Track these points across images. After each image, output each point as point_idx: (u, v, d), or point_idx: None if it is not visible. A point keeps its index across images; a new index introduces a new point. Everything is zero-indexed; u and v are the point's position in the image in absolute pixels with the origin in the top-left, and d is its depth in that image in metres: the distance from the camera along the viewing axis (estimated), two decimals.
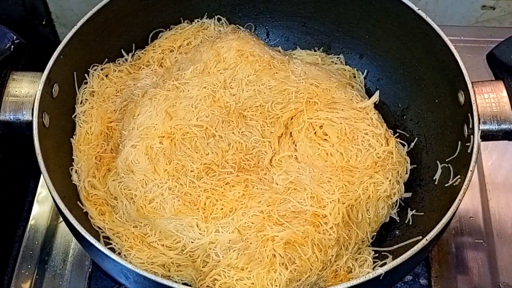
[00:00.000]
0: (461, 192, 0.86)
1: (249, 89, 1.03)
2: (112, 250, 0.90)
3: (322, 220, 0.91)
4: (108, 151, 1.02)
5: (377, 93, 1.07)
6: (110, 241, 0.95)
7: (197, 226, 0.91)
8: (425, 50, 1.02)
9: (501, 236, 1.09)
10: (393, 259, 0.82)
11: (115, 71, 1.09)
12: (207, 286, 0.88)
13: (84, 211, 0.96)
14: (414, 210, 0.99)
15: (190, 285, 0.93)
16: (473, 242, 1.09)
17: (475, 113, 0.90)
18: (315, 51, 1.17)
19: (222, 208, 0.92)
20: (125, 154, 0.97)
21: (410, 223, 0.99)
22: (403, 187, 1.01)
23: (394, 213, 1.01)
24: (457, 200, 0.85)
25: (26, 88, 0.94)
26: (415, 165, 1.04)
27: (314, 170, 0.96)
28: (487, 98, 0.92)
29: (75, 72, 1.03)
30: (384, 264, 0.85)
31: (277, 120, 1.01)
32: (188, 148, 0.97)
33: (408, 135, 1.07)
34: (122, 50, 1.11)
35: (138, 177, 0.95)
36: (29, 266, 1.09)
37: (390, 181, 0.98)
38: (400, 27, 1.05)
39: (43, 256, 1.11)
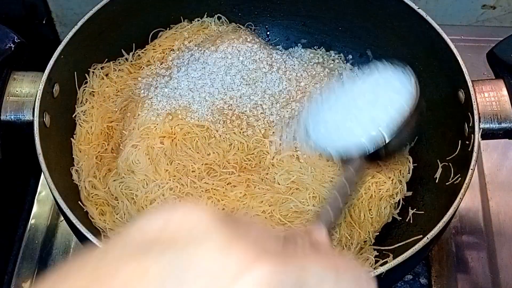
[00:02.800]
0: (462, 190, 0.86)
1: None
2: None
3: None
4: (108, 151, 1.02)
5: None
6: None
7: None
8: (425, 49, 1.02)
9: (502, 235, 1.09)
10: (394, 258, 0.82)
11: (116, 70, 1.09)
12: None
13: (85, 210, 0.96)
14: (415, 209, 0.99)
15: None
16: (473, 241, 1.10)
17: (475, 112, 0.90)
18: (315, 50, 1.17)
19: (224, 208, 0.92)
20: (125, 154, 0.96)
21: (411, 222, 0.99)
22: (406, 186, 1.01)
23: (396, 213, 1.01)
24: (458, 199, 0.85)
25: (27, 88, 0.94)
26: (416, 164, 1.04)
27: (315, 169, 0.96)
28: (488, 97, 0.92)
29: (75, 72, 1.02)
30: (385, 263, 0.85)
31: None
32: (189, 148, 0.97)
33: None
34: (122, 49, 1.11)
35: (139, 178, 0.95)
36: (29, 266, 1.09)
37: (392, 180, 0.98)
38: (400, 26, 1.05)
39: (43, 255, 1.10)
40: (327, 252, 0.46)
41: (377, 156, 0.67)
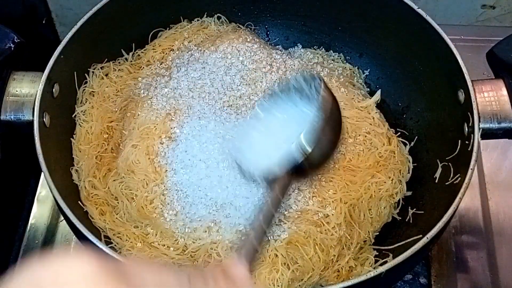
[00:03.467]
0: (462, 190, 0.86)
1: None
2: (113, 249, 0.90)
3: (324, 220, 0.91)
4: (108, 151, 1.02)
5: (379, 92, 1.07)
6: (111, 241, 0.95)
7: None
8: (425, 49, 1.02)
9: (501, 235, 1.09)
10: (394, 257, 0.82)
11: (115, 70, 1.09)
12: None
13: (84, 210, 0.96)
14: (415, 209, 0.99)
15: None
16: (473, 241, 1.10)
17: (475, 112, 0.90)
18: (315, 50, 1.17)
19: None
20: (125, 154, 0.96)
21: (411, 222, 0.99)
22: (405, 186, 1.01)
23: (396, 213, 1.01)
24: (457, 198, 0.85)
25: (27, 88, 0.94)
26: (415, 164, 1.04)
27: None
28: (487, 97, 0.92)
29: (75, 72, 1.02)
30: (385, 262, 0.85)
31: None
32: None
33: (408, 134, 1.07)
34: (122, 49, 1.11)
35: (139, 177, 0.94)
36: None
37: (392, 180, 0.98)
38: (400, 26, 1.05)
39: None
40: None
41: (302, 170, 0.67)
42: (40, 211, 1.16)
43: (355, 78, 1.14)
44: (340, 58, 1.16)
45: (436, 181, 0.98)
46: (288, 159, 0.67)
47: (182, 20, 1.15)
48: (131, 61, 1.11)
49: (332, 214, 0.92)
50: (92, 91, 1.06)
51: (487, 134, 0.91)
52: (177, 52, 1.11)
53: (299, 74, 0.77)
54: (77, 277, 0.33)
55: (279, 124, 0.72)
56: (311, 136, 0.67)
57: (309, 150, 0.66)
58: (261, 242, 0.54)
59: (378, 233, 0.99)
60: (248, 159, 0.71)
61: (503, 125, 0.92)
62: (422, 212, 0.98)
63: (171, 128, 0.97)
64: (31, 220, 1.15)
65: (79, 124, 1.03)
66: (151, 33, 1.13)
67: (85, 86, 1.05)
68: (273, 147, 0.69)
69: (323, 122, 0.68)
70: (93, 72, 1.06)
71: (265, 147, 0.70)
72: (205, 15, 1.15)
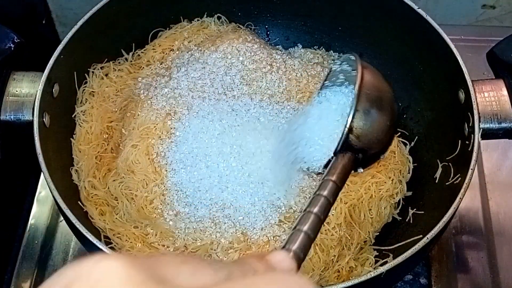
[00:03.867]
0: (462, 190, 0.85)
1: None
2: (113, 250, 0.90)
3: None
4: (108, 151, 1.02)
5: None
6: (111, 241, 0.95)
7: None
8: (425, 49, 1.02)
9: (501, 235, 1.09)
10: (394, 258, 0.82)
11: (115, 70, 1.08)
12: None
13: (84, 210, 0.96)
14: (415, 209, 0.99)
15: None
16: (473, 241, 1.10)
17: (475, 112, 0.90)
18: (315, 50, 1.17)
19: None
20: (125, 154, 0.96)
21: (411, 222, 0.99)
22: (406, 186, 1.01)
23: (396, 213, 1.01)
24: (457, 199, 0.85)
25: (27, 88, 0.94)
26: (416, 164, 1.04)
27: None
28: (487, 97, 0.92)
29: (75, 72, 1.02)
30: (385, 263, 0.85)
31: None
32: None
33: (408, 134, 1.07)
34: (122, 49, 1.11)
35: (139, 177, 0.94)
36: (29, 266, 1.09)
37: (392, 180, 0.98)
38: (400, 26, 1.05)
39: (43, 255, 1.10)
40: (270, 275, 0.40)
41: (355, 149, 0.65)
42: (40, 211, 1.15)
43: None
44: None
45: (436, 181, 0.98)
46: (338, 140, 0.65)
47: (182, 20, 1.15)
48: (131, 61, 1.11)
49: (332, 214, 0.92)
50: (92, 91, 1.06)
51: (488, 134, 0.91)
52: (177, 52, 1.11)
53: (341, 57, 0.75)
54: (109, 275, 0.34)
55: (331, 112, 0.70)
56: (349, 111, 0.65)
57: (350, 122, 0.64)
58: (317, 233, 0.51)
59: (378, 233, 0.99)
60: (306, 153, 0.70)
61: (503, 125, 0.91)
62: (422, 212, 0.98)
63: (171, 128, 0.97)
64: (31, 220, 1.14)
65: (79, 124, 1.03)
66: (151, 33, 1.13)
67: (85, 86, 1.05)
68: (327, 135, 0.68)
69: (359, 96, 0.66)
70: (93, 72, 1.06)
71: (320, 137, 0.68)
72: (205, 15, 1.15)
